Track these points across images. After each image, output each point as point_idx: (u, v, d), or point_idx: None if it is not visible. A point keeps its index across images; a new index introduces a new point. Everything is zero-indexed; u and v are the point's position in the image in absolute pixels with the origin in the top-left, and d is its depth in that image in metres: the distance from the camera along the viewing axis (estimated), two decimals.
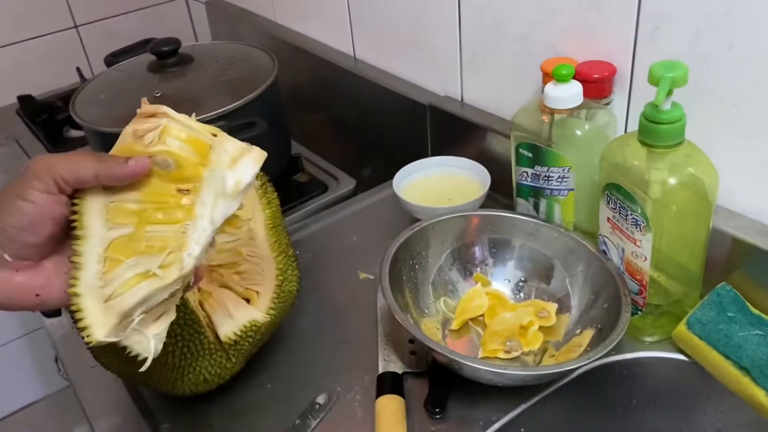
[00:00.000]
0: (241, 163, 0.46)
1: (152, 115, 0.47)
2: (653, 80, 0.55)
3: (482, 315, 0.70)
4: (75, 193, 0.45)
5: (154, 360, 0.58)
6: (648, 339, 0.66)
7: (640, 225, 0.60)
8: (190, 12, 1.61)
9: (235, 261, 0.64)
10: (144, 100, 0.49)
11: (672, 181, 0.58)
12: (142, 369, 0.46)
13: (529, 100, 0.73)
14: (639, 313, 0.65)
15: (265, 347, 0.68)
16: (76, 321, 0.44)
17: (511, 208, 0.77)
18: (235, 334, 0.59)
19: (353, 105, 1.13)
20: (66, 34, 1.47)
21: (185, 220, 0.45)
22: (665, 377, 0.66)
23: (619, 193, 0.61)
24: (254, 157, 0.47)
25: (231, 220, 0.67)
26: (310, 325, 0.74)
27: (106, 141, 0.87)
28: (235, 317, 0.60)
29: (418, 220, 0.80)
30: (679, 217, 0.60)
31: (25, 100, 1.31)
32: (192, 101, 0.83)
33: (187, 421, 0.64)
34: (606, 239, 0.66)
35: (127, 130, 0.47)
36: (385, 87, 1.03)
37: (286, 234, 0.69)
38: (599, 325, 0.63)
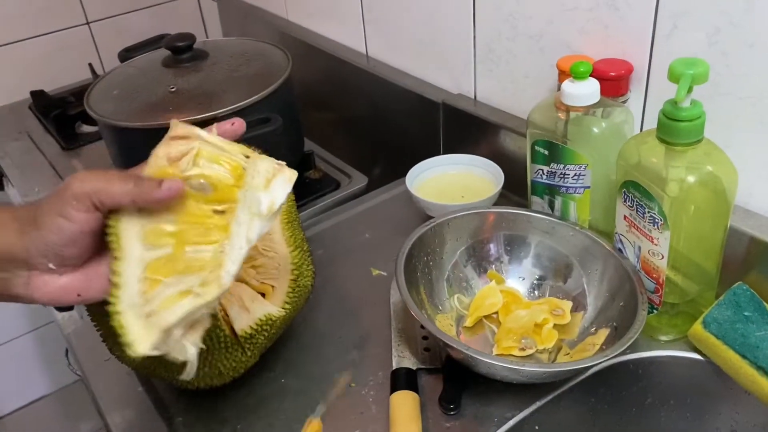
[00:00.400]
0: (274, 183, 0.47)
1: (184, 137, 0.48)
2: (673, 77, 0.55)
3: (496, 312, 0.70)
4: (110, 212, 0.47)
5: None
6: (663, 338, 0.66)
7: (657, 223, 0.60)
8: (201, 9, 1.62)
9: (251, 255, 0.63)
10: (174, 121, 0.50)
11: (690, 179, 0.58)
12: (185, 377, 0.47)
13: (545, 97, 0.73)
14: (655, 311, 0.65)
15: (279, 342, 0.68)
16: (118, 336, 0.45)
17: (524, 206, 0.77)
18: (251, 327, 0.59)
19: (365, 103, 1.13)
20: (78, 31, 1.48)
21: (222, 240, 0.46)
22: (680, 376, 0.66)
23: (636, 190, 0.61)
24: (287, 178, 0.48)
25: None
26: (323, 321, 0.74)
27: (120, 136, 0.88)
28: (250, 311, 0.60)
29: (431, 217, 0.80)
30: (697, 216, 0.59)
31: (37, 96, 1.32)
32: (207, 96, 0.83)
33: (201, 414, 0.64)
34: (622, 237, 0.66)
35: (159, 153, 0.48)
36: (398, 85, 1.03)
37: (300, 229, 0.69)
38: (615, 324, 0.63)
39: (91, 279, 0.48)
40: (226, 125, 0.52)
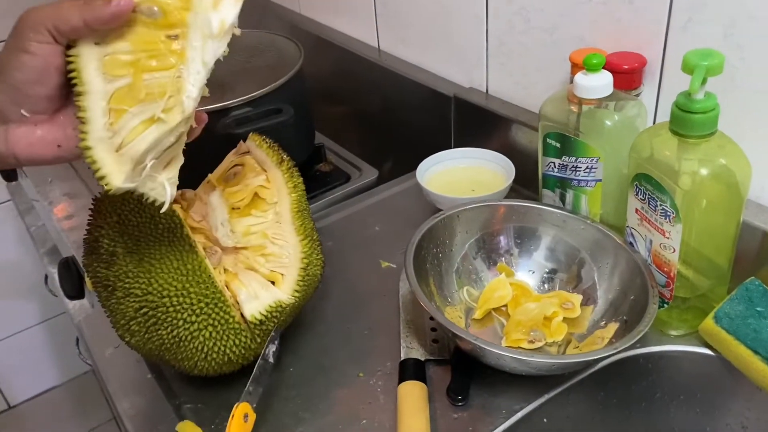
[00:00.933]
0: (223, 3, 0.47)
1: None
2: (687, 68, 0.55)
3: (506, 305, 0.70)
4: (69, 49, 0.47)
5: (179, 339, 0.59)
6: (673, 332, 0.66)
7: (669, 216, 0.60)
8: None
9: (261, 244, 0.64)
10: None
11: (703, 171, 0.57)
12: (162, 211, 0.49)
13: (557, 90, 0.73)
14: (665, 306, 0.65)
15: (287, 332, 0.68)
16: (93, 172, 0.46)
17: (535, 200, 0.77)
18: (261, 313, 0.59)
19: (377, 96, 1.13)
20: None
21: (179, 65, 0.47)
22: (690, 371, 0.65)
23: (648, 183, 0.61)
24: None
25: (257, 203, 0.67)
26: (332, 311, 0.74)
27: None
28: (260, 298, 0.60)
29: (441, 210, 0.80)
30: (710, 209, 0.59)
31: None
32: (220, 87, 0.83)
33: (210, 401, 0.64)
34: (633, 231, 0.65)
35: None
36: (409, 78, 1.03)
37: (310, 219, 0.69)
38: (625, 318, 0.63)
39: (66, 128, 0.49)
40: None
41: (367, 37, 1.15)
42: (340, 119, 1.25)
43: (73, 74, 0.47)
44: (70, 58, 0.47)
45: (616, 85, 0.67)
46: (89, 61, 0.47)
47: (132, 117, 0.47)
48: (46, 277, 1.28)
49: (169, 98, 0.47)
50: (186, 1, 0.47)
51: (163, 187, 0.49)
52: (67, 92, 0.48)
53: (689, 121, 0.57)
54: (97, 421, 1.78)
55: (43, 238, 1.23)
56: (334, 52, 1.19)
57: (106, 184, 0.47)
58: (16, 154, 0.48)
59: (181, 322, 0.58)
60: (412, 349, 0.66)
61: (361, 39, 1.16)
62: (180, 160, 0.50)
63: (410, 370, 0.63)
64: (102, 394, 0.78)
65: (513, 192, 0.83)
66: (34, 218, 1.29)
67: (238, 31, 0.49)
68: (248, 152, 0.69)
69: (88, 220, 0.62)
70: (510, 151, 0.87)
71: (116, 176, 0.46)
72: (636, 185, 0.62)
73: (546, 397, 0.62)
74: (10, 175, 1.29)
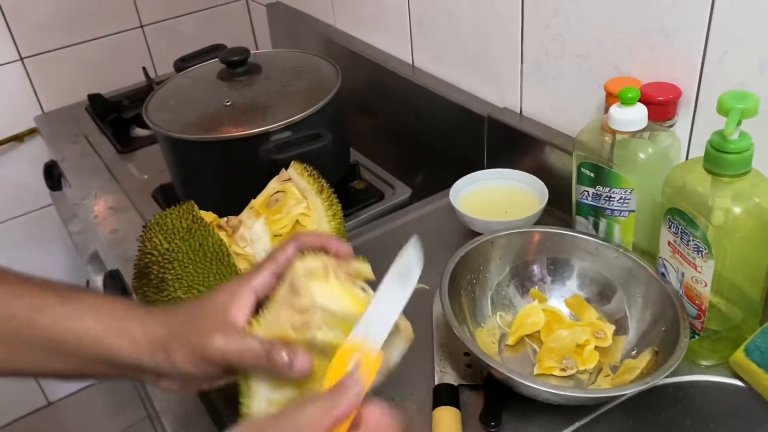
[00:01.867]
0: (391, 344, 0.49)
1: (303, 310, 0.49)
2: (723, 110, 0.56)
3: (538, 331, 0.71)
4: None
5: None
6: (704, 363, 0.67)
7: (701, 251, 0.61)
8: (251, 14, 1.65)
9: None
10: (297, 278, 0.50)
11: (736, 209, 0.58)
12: None
13: (592, 118, 0.74)
14: (696, 336, 0.66)
15: None
16: None
17: (568, 222, 0.78)
18: None
19: (410, 113, 1.14)
20: (132, 34, 1.53)
21: None
22: (721, 401, 0.66)
23: (681, 218, 0.62)
24: (404, 338, 0.50)
25: (298, 231, 0.70)
26: None
27: (176, 146, 0.91)
28: None
29: (474, 231, 0.81)
30: (743, 245, 0.60)
31: (94, 99, 1.37)
32: (260, 111, 0.86)
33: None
34: (666, 262, 0.66)
35: (282, 317, 0.50)
36: (443, 96, 1.04)
37: (346, 237, 0.71)
38: (656, 348, 0.64)
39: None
40: (337, 248, 0.54)
41: (402, 54, 1.16)
42: (374, 134, 1.27)
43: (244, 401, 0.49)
44: (242, 380, 0.49)
45: (650, 116, 0.68)
46: (257, 392, 0.49)
47: None
48: (88, 282, 1.32)
49: None
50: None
51: None
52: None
53: (723, 160, 0.57)
54: (132, 419, 1.83)
55: (85, 245, 1.27)
56: (369, 67, 1.21)
57: None
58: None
59: None
60: (446, 374, 0.68)
61: (396, 55, 1.18)
62: None
63: (444, 395, 0.65)
64: (137, 392, 0.81)
65: (546, 214, 0.84)
66: (75, 225, 1.34)
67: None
68: (290, 179, 0.72)
69: (138, 247, 0.66)
70: (543, 172, 0.88)
71: None
72: (669, 219, 0.63)
73: (577, 424, 0.63)
74: (54, 185, 1.33)
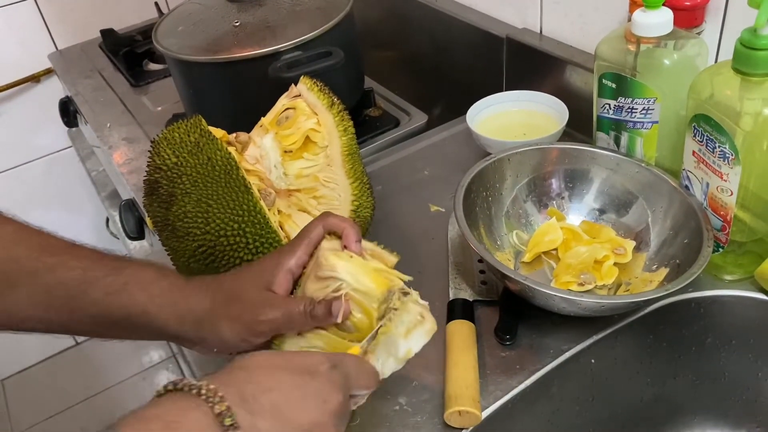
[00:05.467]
0: (414, 334, 0.50)
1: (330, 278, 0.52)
2: (755, 2, 0.52)
3: (555, 249, 0.70)
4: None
5: None
6: (728, 277, 0.65)
7: (728, 158, 0.58)
8: None
9: (312, 186, 0.65)
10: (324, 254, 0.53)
11: (767, 112, 0.55)
12: None
13: (615, 28, 0.70)
14: (720, 250, 0.64)
15: None
16: None
17: (589, 144, 0.75)
18: None
19: (427, 39, 1.11)
20: None
21: None
22: (744, 317, 0.64)
23: (707, 124, 0.59)
24: (426, 330, 0.51)
25: (309, 147, 0.68)
26: None
27: (186, 70, 0.90)
28: None
29: (491, 154, 0.79)
30: None
31: (107, 35, 1.35)
32: (270, 31, 0.83)
33: None
34: (690, 174, 0.64)
35: (309, 290, 0.53)
36: (461, 19, 1.01)
37: (360, 162, 0.70)
38: (678, 261, 0.62)
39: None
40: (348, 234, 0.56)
41: None
42: (390, 63, 1.24)
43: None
44: (276, 341, 0.52)
45: (676, 22, 0.64)
46: (290, 347, 0.52)
47: None
48: (108, 219, 1.33)
49: None
50: (372, 320, 0.52)
51: None
52: None
53: (754, 58, 0.54)
54: (158, 357, 1.87)
55: (103, 182, 1.28)
56: None
57: None
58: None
59: (238, 261, 0.60)
60: (461, 290, 0.67)
61: None
62: None
63: (458, 309, 0.64)
64: None
65: (566, 136, 0.82)
66: (94, 163, 1.34)
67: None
68: (300, 95, 0.70)
69: (147, 161, 0.65)
70: (564, 93, 0.85)
71: None
72: (694, 126, 0.61)
73: (594, 338, 0.62)
74: (71, 121, 1.33)
